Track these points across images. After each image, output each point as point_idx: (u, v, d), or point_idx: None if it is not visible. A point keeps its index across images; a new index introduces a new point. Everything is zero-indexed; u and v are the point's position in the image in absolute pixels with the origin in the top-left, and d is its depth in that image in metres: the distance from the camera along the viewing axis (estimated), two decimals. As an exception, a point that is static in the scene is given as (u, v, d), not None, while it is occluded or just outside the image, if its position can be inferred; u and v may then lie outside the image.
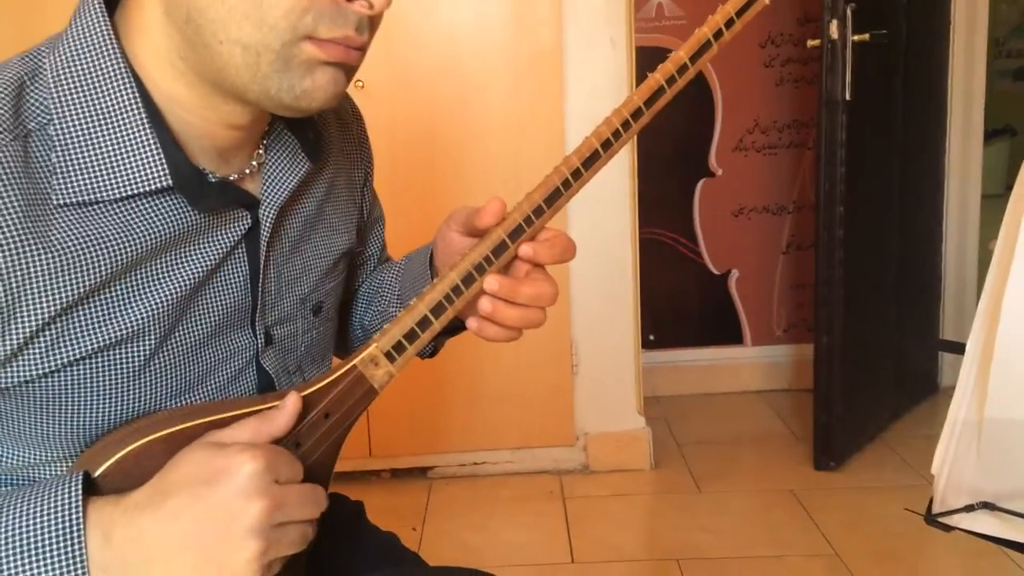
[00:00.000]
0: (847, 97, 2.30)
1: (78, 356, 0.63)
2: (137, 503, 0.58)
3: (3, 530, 0.57)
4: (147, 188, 0.64)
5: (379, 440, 2.49)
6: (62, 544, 0.56)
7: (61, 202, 0.61)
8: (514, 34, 2.34)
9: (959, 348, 0.73)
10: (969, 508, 0.70)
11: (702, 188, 3.09)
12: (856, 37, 2.29)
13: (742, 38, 2.98)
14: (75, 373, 0.64)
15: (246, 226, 0.72)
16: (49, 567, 0.56)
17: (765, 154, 3.07)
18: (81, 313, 0.63)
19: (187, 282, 0.68)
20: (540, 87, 2.35)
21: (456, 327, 0.87)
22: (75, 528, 0.56)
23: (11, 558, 0.56)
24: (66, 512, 0.57)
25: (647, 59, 2.73)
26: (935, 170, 2.97)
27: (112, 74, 0.64)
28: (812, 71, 2.92)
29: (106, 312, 0.64)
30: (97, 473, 0.61)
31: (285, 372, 0.78)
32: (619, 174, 2.35)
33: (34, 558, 0.56)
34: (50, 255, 0.60)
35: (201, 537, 0.57)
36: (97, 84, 0.63)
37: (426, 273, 0.85)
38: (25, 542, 0.56)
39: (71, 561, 0.56)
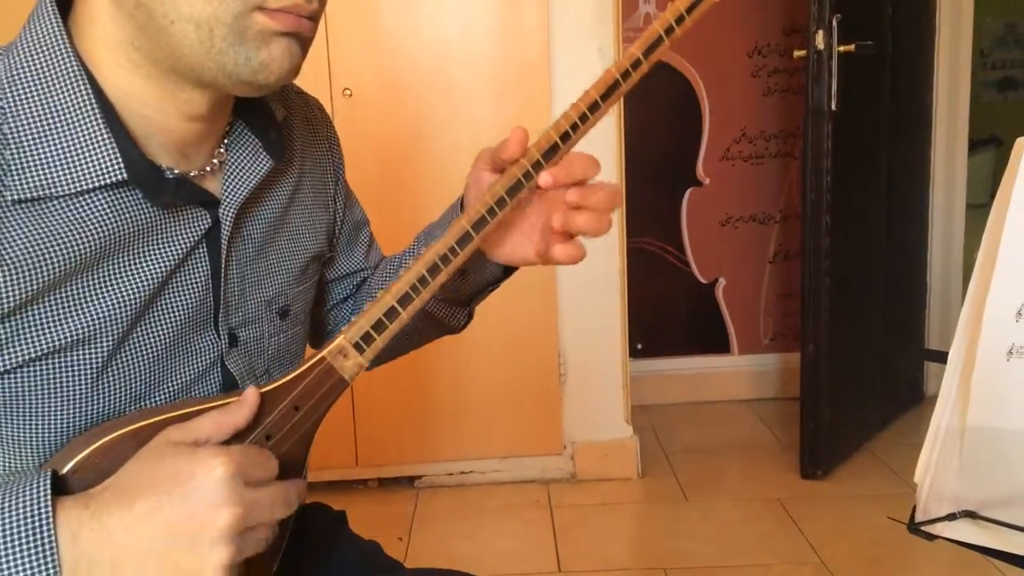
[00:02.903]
0: (833, 107, 2.31)
1: (34, 355, 0.63)
2: (103, 504, 0.58)
3: None
4: (101, 182, 0.64)
5: (366, 449, 2.48)
6: (33, 542, 0.56)
7: (14, 198, 0.61)
8: (502, 43, 2.35)
9: (944, 358, 0.73)
10: (951, 517, 0.70)
11: (689, 197, 3.10)
12: (842, 48, 2.30)
13: (728, 48, 3.00)
14: (32, 374, 0.64)
15: (206, 225, 0.71)
16: (21, 564, 0.55)
17: (752, 164, 3.08)
18: (36, 312, 0.62)
19: (146, 282, 0.68)
20: (528, 96, 2.35)
21: (494, 280, 0.89)
22: (45, 526, 0.56)
23: None
24: (35, 510, 0.56)
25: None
26: (920, 180, 2.99)
27: (64, 73, 0.64)
28: (798, 81, 2.94)
29: (62, 311, 0.64)
30: (65, 470, 0.61)
31: (252, 375, 0.77)
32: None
33: (5, 556, 0.55)
34: (1, 252, 0.60)
35: (170, 544, 0.57)
36: (50, 83, 0.64)
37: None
38: None
39: (43, 559, 0.56)
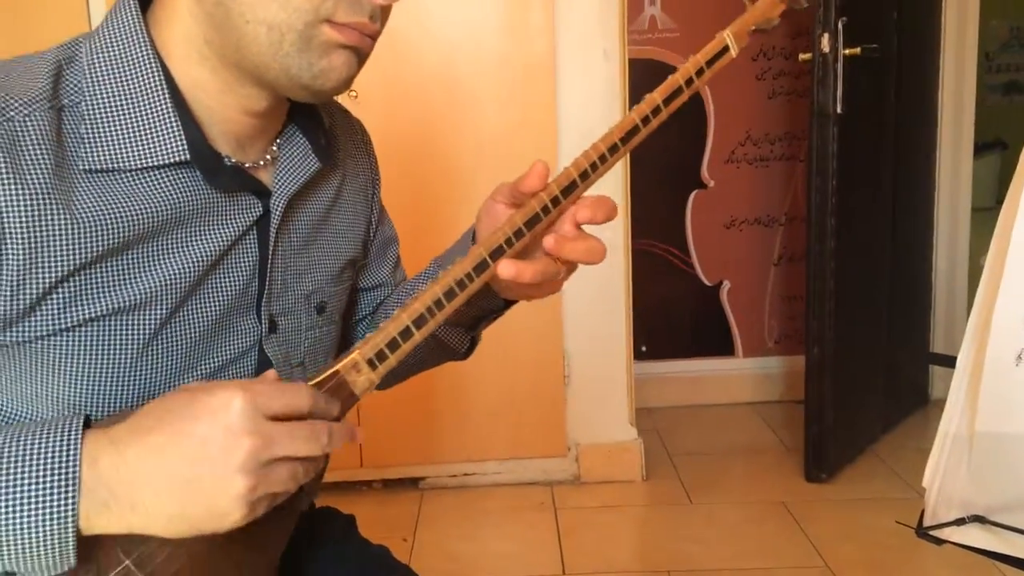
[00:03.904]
0: (838, 110, 2.31)
1: (92, 315, 0.67)
2: (123, 434, 0.60)
3: (9, 446, 0.59)
4: (165, 161, 0.69)
5: (370, 451, 2.48)
6: (57, 461, 0.58)
7: (86, 168, 0.66)
8: (507, 45, 2.35)
9: (950, 361, 0.73)
10: (960, 521, 0.70)
11: (694, 200, 3.10)
12: (847, 51, 2.30)
13: (734, 51, 3.00)
14: (91, 333, 0.67)
15: (257, 213, 0.76)
16: (43, 482, 0.58)
17: (757, 166, 3.08)
18: (97, 274, 0.67)
19: (200, 258, 0.72)
20: (533, 98, 2.35)
21: (495, 309, 0.90)
22: (72, 448, 0.58)
23: (11, 471, 0.58)
24: (64, 435, 0.59)
25: (639, 71, 2.75)
26: (926, 183, 2.98)
27: (140, 60, 0.70)
28: (804, 84, 2.94)
29: (122, 276, 0.68)
30: (97, 425, 0.63)
31: (287, 363, 0.81)
32: (612, 186, 2.36)
33: (30, 472, 0.58)
34: (71, 216, 0.65)
35: (188, 473, 0.59)
36: (126, 68, 0.69)
37: (468, 248, 0.86)
38: (23, 458, 0.58)
39: (64, 478, 0.58)
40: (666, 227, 3.10)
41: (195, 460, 0.58)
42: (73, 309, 0.66)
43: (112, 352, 0.68)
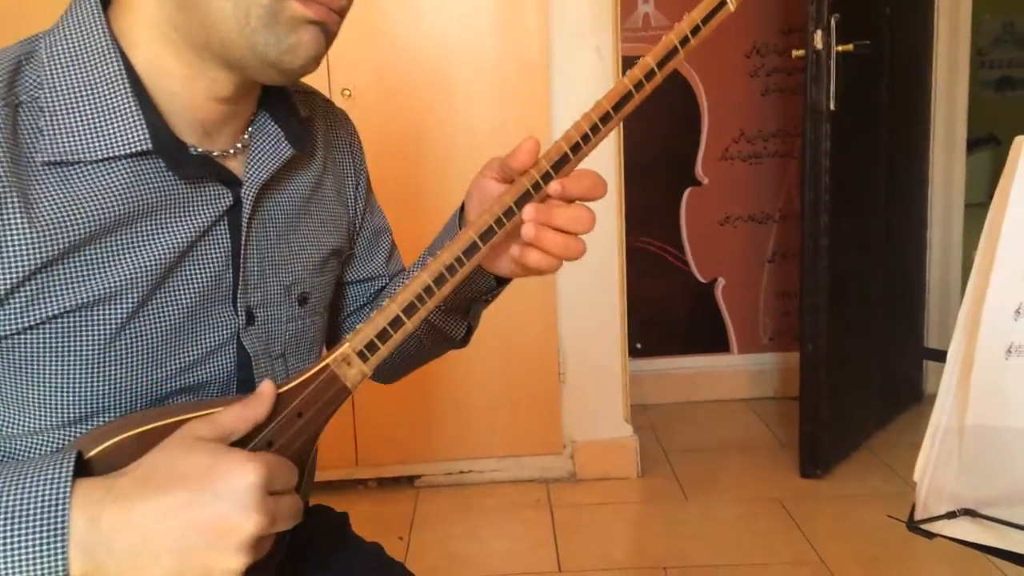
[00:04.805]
0: (831, 107, 2.31)
1: (58, 311, 0.65)
2: (129, 490, 0.59)
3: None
4: (127, 151, 0.67)
5: (366, 449, 2.48)
6: (46, 516, 0.57)
7: (44, 160, 0.65)
8: (501, 42, 2.35)
9: (943, 356, 0.73)
10: (951, 515, 0.70)
11: (688, 197, 3.10)
12: (840, 47, 2.30)
13: (727, 48, 3.01)
14: (55, 329, 0.66)
15: (227, 203, 0.74)
16: (31, 538, 0.56)
17: (751, 163, 3.09)
18: (61, 269, 0.65)
19: (167, 250, 0.70)
20: (527, 95, 2.35)
21: (488, 290, 0.88)
22: (61, 503, 0.57)
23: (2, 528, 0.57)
24: (54, 486, 0.57)
25: (633, 68, 2.75)
26: (919, 179, 2.99)
27: (99, 49, 0.68)
28: (797, 81, 2.94)
29: (86, 270, 0.66)
30: (91, 454, 0.62)
31: (267, 356, 0.79)
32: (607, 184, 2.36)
33: (18, 527, 0.56)
34: (29, 216, 0.63)
35: (193, 542, 0.58)
36: (85, 58, 0.68)
37: (455, 230, 0.84)
38: (10, 511, 0.57)
39: (53, 534, 0.56)
40: (660, 224, 3.10)
41: (204, 531, 0.58)
42: (34, 308, 0.64)
43: (77, 348, 0.67)
